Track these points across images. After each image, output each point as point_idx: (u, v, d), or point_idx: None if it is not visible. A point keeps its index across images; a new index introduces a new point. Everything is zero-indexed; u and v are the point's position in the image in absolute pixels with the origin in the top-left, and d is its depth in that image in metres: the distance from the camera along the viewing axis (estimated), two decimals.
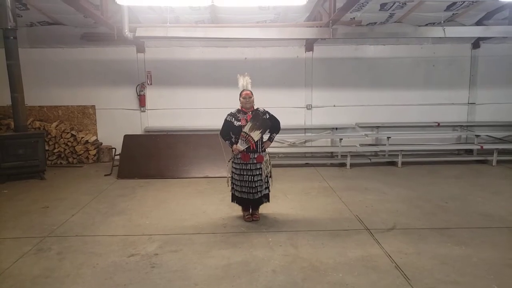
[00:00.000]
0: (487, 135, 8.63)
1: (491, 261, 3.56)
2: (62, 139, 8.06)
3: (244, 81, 4.57)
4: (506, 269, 3.41)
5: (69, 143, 8.11)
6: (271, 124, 4.56)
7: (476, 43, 8.55)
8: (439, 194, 5.75)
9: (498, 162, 7.73)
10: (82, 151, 8.17)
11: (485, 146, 7.97)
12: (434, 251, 3.78)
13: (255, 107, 4.57)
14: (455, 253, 3.74)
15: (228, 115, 4.57)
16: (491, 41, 8.46)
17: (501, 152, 7.88)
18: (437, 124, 8.62)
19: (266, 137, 4.65)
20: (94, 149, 8.26)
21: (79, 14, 6.90)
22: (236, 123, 4.46)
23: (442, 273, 3.35)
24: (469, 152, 8.64)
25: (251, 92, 4.52)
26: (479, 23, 7.81)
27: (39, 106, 8.44)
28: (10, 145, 6.68)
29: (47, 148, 7.80)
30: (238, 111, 4.56)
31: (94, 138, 8.39)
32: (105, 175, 7.13)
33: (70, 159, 8.18)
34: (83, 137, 8.19)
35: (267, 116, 4.55)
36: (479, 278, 3.27)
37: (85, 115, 8.55)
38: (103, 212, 5.10)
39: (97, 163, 8.26)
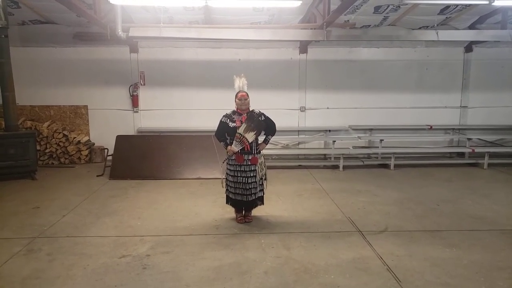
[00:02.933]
0: (478, 139, 8.71)
1: (481, 263, 3.59)
2: (53, 139, 7.99)
3: (240, 82, 4.56)
4: (496, 271, 3.43)
5: (61, 143, 8.04)
6: (266, 126, 4.56)
7: (469, 47, 8.63)
8: (430, 196, 5.79)
9: (489, 165, 7.81)
10: (74, 152, 8.10)
11: (477, 149, 8.03)
12: (425, 253, 3.81)
13: (250, 109, 4.56)
14: (446, 255, 3.77)
15: (223, 116, 4.56)
16: (484, 45, 8.54)
17: (492, 155, 7.95)
18: (429, 127, 8.68)
19: (261, 139, 4.65)
20: (86, 149, 8.20)
21: (71, 13, 6.85)
22: (231, 124, 4.45)
23: (433, 275, 3.37)
24: (461, 155, 8.71)
25: (247, 94, 4.51)
26: (472, 27, 7.88)
27: (30, 106, 8.36)
28: (0, 144, 6.60)
29: (38, 148, 7.73)
30: (234, 112, 4.55)
31: (86, 138, 8.33)
32: (97, 176, 7.08)
33: (62, 160, 8.11)
34: (75, 137, 8.13)
35: (263, 118, 4.54)
36: (469, 280, 3.29)
37: (77, 115, 8.48)
38: (95, 213, 5.06)
39: (89, 163, 8.20)
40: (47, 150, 8.01)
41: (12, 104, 6.77)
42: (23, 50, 8.07)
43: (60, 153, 8.08)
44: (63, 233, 4.34)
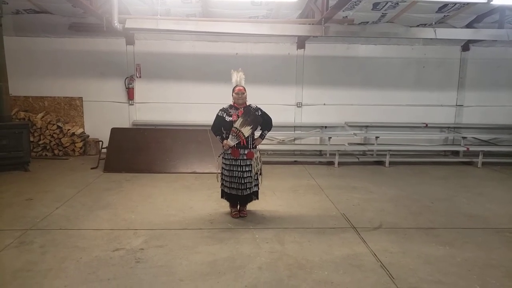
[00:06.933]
0: (473, 137, 8.76)
1: (475, 261, 3.61)
2: (47, 131, 7.91)
3: (237, 77, 4.54)
4: (489, 269, 3.45)
5: (54, 135, 7.97)
6: (263, 121, 4.54)
7: (466, 45, 8.64)
8: (425, 194, 5.81)
9: (484, 164, 7.84)
10: (68, 144, 8.04)
11: (471, 148, 8.07)
12: (419, 250, 3.82)
13: (247, 104, 4.54)
14: (439, 253, 3.78)
15: (220, 110, 4.54)
16: (481, 44, 8.56)
17: (486, 154, 7.99)
18: (425, 125, 8.71)
19: (258, 134, 4.62)
20: (81, 141, 8.13)
21: (67, 3, 6.72)
22: (228, 119, 4.43)
23: (426, 272, 3.38)
24: (456, 153, 8.76)
25: (244, 88, 4.49)
26: (469, 25, 7.89)
27: (24, 96, 8.27)
28: None
29: (32, 139, 7.66)
30: (230, 106, 4.53)
31: (80, 130, 8.26)
32: (91, 168, 7.03)
33: (56, 151, 8.05)
34: (69, 129, 8.06)
35: (259, 113, 4.52)
36: (463, 278, 3.30)
37: (71, 107, 8.41)
38: (88, 205, 5.02)
39: (83, 156, 8.14)
40: (40, 142, 7.93)
41: (5, 94, 6.69)
42: (17, 39, 7.96)
43: (54, 144, 8.01)
44: (56, 226, 4.31)
